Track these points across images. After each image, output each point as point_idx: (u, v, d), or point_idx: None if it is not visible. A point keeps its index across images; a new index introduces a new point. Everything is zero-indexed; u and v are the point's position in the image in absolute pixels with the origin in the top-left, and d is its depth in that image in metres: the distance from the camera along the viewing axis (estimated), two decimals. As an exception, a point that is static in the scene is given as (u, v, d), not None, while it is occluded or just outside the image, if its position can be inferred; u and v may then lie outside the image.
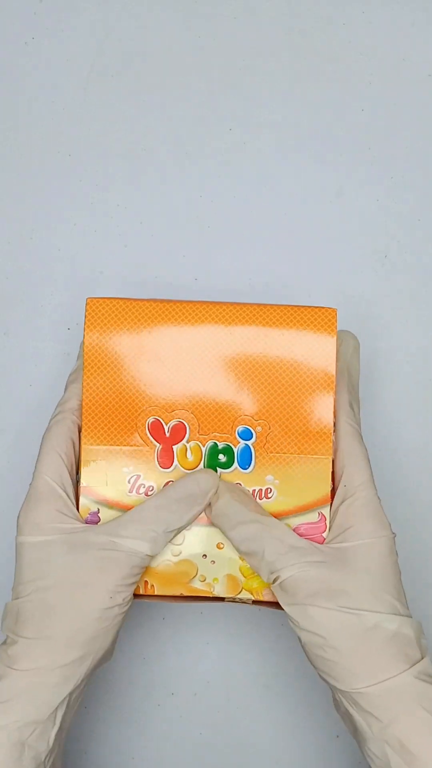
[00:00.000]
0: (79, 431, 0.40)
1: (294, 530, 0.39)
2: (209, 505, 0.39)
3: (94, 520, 0.39)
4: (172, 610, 0.49)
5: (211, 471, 0.40)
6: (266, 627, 0.49)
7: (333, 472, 0.40)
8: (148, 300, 0.40)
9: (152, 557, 0.38)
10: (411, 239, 0.50)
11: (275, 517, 0.39)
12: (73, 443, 0.40)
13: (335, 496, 0.40)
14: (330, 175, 0.50)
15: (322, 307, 0.40)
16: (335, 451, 0.40)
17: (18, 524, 0.38)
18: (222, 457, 0.40)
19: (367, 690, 0.35)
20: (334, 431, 0.40)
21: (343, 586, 0.37)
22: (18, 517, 0.39)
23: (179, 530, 0.39)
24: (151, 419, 0.40)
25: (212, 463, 0.40)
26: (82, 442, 0.40)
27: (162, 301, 0.40)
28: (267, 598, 0.40)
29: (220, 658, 0.49)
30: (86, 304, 0.40)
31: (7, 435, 0.49)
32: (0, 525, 0.47)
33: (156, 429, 0.40)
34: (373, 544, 0.38)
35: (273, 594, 0.39)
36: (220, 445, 0.40)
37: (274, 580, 0.37)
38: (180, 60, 0.50)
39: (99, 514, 0.39)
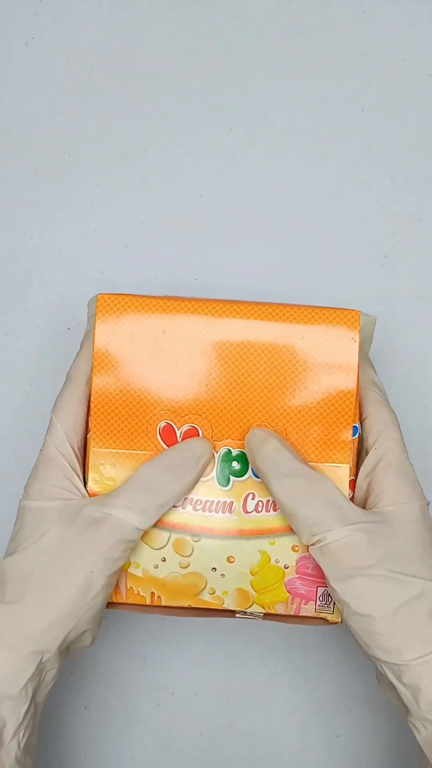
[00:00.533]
0: (89, 401, 0.38)
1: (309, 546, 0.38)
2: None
3: None
4: (172, 610, 0.49)
5: (204, 439, 0.38)
6: (266, 627, 0.49)
7: (353, 478, 0.39)
8: (161, 297, 0.38)
9: (142, 531, 0.36)
10: (411, 239, 0.50)
11: (290, 531, 0.38)
12: (83, 412, 0.38)
13: (365, 461, 0.38)
14: (330, 175, 0.50)
15: (345, 309, 0.38)
16: (361, 418, 0.38)
17: (25, 488, 0.38)
18: (235, 465, 0.38)
19: (413, 662, 0.34)
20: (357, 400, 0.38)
21: (389, 552, 0.35)
22: (26, 481, 0.38)
23: (171, 502, 0.37)
24: (162, 423, 0.38)
25: (226, 471, 0.38)
26: (90, 445, 0.38)
27: (177, 298, 0.38)
28: (279, 611, 0.38)
29: (220, 658, 0.49)
30: (97, 300, 0.37)
31: (7, 435, 0.49)
32: (1, 523, 0.47)
33: (167, 433, 0.38)
34: (412, 508, 0.36)
35: (285, 607, 0.38)
36: (234, 452, 0.38)
37: (315, 543, 0.35)
38: (180, 60, 0.50)
39: None
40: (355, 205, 0.50)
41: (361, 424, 0.39)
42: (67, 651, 0.37)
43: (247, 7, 0.50)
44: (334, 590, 0.35)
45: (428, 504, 0.37)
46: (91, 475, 0.38)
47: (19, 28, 0.51)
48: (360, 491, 0.38)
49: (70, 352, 0.49)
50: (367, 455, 0.38)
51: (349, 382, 0.37)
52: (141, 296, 0.38)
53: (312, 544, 0.36)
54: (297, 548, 0.38)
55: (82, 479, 0.38)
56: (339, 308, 0.38)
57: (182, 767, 0.49)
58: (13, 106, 0.50)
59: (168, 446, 0.38)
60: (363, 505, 0.38)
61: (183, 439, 0.38)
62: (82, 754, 0.49)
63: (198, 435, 0.38)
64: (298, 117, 0.50)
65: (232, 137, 0.50)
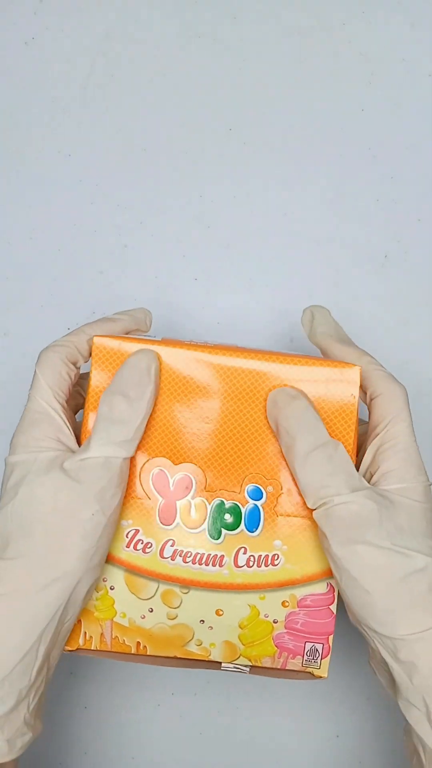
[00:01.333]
0: (76, 367, 0.38)
1: (299, 602, 0.37)
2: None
3: None
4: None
5: (145, 349, 0.37)
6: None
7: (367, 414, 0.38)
8: (158, 341, 0.37)
9: (128, 459, 0.36)
10: (411, 239, 0.50)
11: (280, 586, 0.37)
12: (68, 372, 0.38)
13: (374, 440, 0.37)
14: (330, 175, 0.50)
15: (345, 363, 0.37)
16: (368, 396, 0.38)
17: (11, 444, 0.37)
18: (228, 518, 0.37)
19: (409, 637, 0.33)
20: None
21: (394, 525, 0.34)
22: (12, 437, 0.38)
23: (144, 420, 0.36)
24: (155, 470, 0.37)
25: (218, 524, 0.37)
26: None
27: (169, 342, 0.37)
28: (266, 665, 0.38)
29: (220, 658, 0.49)
30: (92, 344, 0.37)
31: (7, 435, 0.49)
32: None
33: (159, 482, 0.37)
34: (417, 488, 0.36)
35: (272, 661, 0.37)
36: (227, 504, 0.37)
37: (321, 506, 0.35)
38: (180, 60, 0.50)
39: None
40: (355, 205, 0.50)
41: (369, 402, 0.38)
42: (83, 602, 0.36)
43: (247, 7, 0.50)
44: (335, 557, 0.35)
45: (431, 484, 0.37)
46: None
47: (19, 28, 0.51)
48: (364, 468, 0.37)
49: (70, 352, 0.49)
50: (375, 433, 0.37)
51: (347, 438, 0.37)
52: (137, 339, 0.37)
53: (317, 507, 0.35)
54: (287, 604, 0.37)
55: (71, 431, 0.37)
56: (339, 362, 0.37)
57: (182, 767, 0.49)
58: (13, 106, 0.50)
59: (161, 495, 0.37)
60: (376, 482, 0.37)
61: (175, 489, 0.37)
62: (82, 754, 0.49)
63: (191, 484, 0.37)
64: (298, 117, 0.50)
65: (232, 137, 0.50)
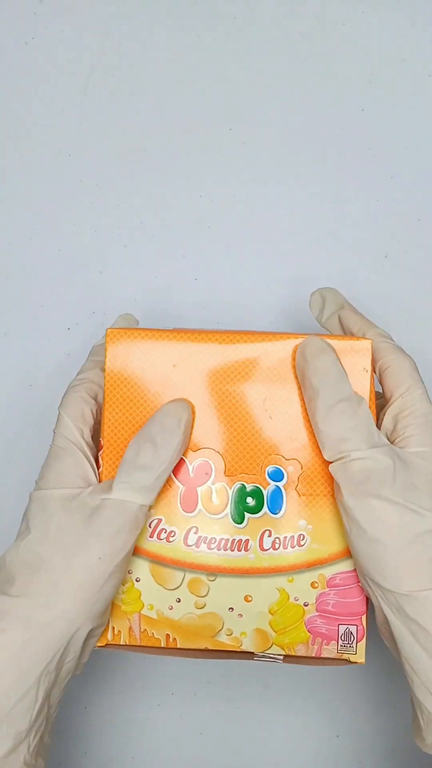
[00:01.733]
0: (97, 402, 0.38)
1: (328, 581, 0.37)
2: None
3: None
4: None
5: (180, 399, 0.37)
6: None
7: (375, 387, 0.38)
8: (171, 330, 0.37)
9: (146, 508, 0.35)
10: (411, 239, 0.50)
11: (308, 567, 0.37)
12: (91, 409, 0.38)
13: (392, 405, 0.37)
14: (330, 175, 0.50)
15: (357, 338, 0.37)
16: (377, 367, 0.38)
17: (37, 479, 0.38)
18: (250, 501, 0.37)
19: (416, 594, 0.33)
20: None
21: (410, 483, 0.34)
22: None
23: (167, 470, 0.36)
24: None
25: (240, 508, 0.37)
26: (101, 478, 0.37)
27: (187, 330, 0.37)
28: (300, 653, 0.37)
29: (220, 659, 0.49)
30: (106, 335, 0.37)
31: (7, 435, 0.49)
32: (2, 524, 0.47)
33: (179, 469, 0.37)
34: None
35: (306, 648, 0.37)
36: (249, 487, 0.37)
37: (339, 459, 0.35)
38: (180, 60, 0.50)
39: None
40: (355, 205, 0.50)
41: (380, 374, 0.38)
42: (84, 647, 0.36)
43: (247, 7, 0.50)
44: (348, 508, 0.34)
45: None
46: None
47: (19, 28, 0.51)
48: (384, 432, 0.37)
49: (70, 352, 0.49)
50: (392, 400, 0.37)
51: None
52: (150, 330, 0.37)
53: (335, 461, 0.35)
54: (316, 584, 0.37)
55: (94, 468, 0.37)
56: (351, 337, 0.37)
57: (182, 767, 0.49)
58: (13, 107, 0.50)
59: (181, 482, 0.37)
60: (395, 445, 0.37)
61: (195, 475, 0.37)
62: (82, 754, 0.49)
63: (211, 470, 0.37)
64: (298, 117, 0.50)
65: (232, 137, 0.50)
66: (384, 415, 0.37)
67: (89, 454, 0.37)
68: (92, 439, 0.39)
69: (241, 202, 0.50)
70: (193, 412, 0.37)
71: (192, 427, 0.37)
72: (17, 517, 0.39)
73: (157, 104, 0.50)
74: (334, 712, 0.49)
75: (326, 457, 0.35)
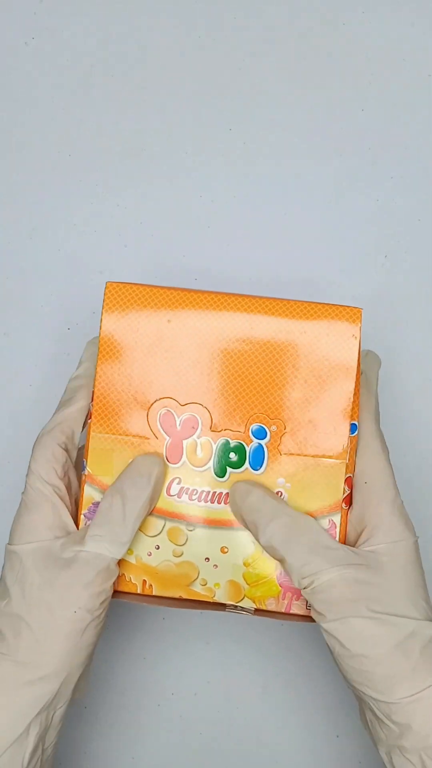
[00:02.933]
0: (73, 437, 0.40)
1: None
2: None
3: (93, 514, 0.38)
4: (172, 610, 0.49)
5: (152, 455, 0.38)
6: (266, 627, 0.49)
7: (350, 475, 0.39)
8: (168, 288, 0.38)
9: (117, 560, 0.37)
10: (411, 239, 0.50)
11: None
12: (60, 443, 0.39)
13: (356, 496, 0.38)
14: (330, 175, 0.50)
15: (347, 306, 0.38)
16: (354, 454, 0.39)
17: (10, 531, 0.38)
18: (233, 456, 0.38)
19: (405, 700, 0.34)
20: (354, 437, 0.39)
21: (379, 592, 0.35)
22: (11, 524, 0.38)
23: (137, 522, 0.37)
24: (162, 411, 0.38)
25: (223, 462, 0.38)
26: (91, 429, 0.38)
27: (182, 290, 0.38)
28: (270, 608, 0.38)
29: (220, 658, 0.49)
30: (105, 288, 0.38)
31: (6, 435, 0.49)
32: (2, 524, 0.47)
33: (167, 421, 0.38)
34: (404, 547, 0.37)
35: (276, 603, 0.38)
36: (232, 443, 0.38)
37: (307, 586, 0.36)
38: (180, 60, 0.50)
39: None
40: (355, 205, 0.50)
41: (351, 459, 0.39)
42: (76, 686, 0.37)
43: (247, 7, 0.50)
44: (326, 631, 0.36)
45: (417, 539, 0.38)
46: (89, 458, 0.39)
47: (19, 28, 0.51)
48: (352, 525, 0.38)
49: (70, 352, 0.49)
50: (359, 488, 0.38)
51: (348, 379, 0.38)
52: (148, 286, 0.38)
53: (304, 588, 0.36)
54: None
55: (69, 512, 0.38)
56: (341, 305, 0.38)
57: (182, 767, 0.49)
58: (13, 106, 0.50)
59: (167, 434, 0.38)
60: (356, 540, 0.38)
61: (182, 428, 0.38)
62: (82, 754, 0.49)
63: (197, 424, 0.38)
64: (298, 117, 0.50)
65: (232, 137, 0.50)
66: (353, 503, 0.38)
67: (63, 497, 0.38)
68: (75, 464, 0.40)
69: (241, 202, 0.50)
70: (165, 470, 0.38)
71: (164, 480, 0.38)
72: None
73: (157, 104, 0.50)
74: (334, 712, 0.49)
75: (295, 585, 0.36)
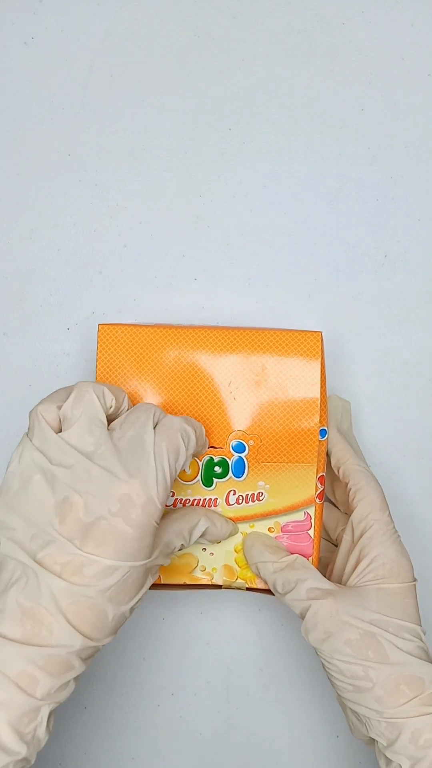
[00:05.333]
0: None
1: (282, 527, 0.44)
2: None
3: None
4: (172, 610, 0.49)
5: None
6: (266, 627, 0.49)
7: (323, 474, 0.45)
8: (152, 326, 0.44)
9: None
10: (411, 239, 0.50)
11: (266, 516, 0.44)
12: None
13: (353, 531, 0.42)
14: (330, 175, 0.50)
15: (308, 331, 0.44)
16: (348, 492, 0.43)
17: None
18: (218, 469, 0.44)
19: (395, 710, 0.37)
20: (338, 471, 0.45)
21: (373, 620, 0.39)
22: None
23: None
24: None
25: (209, 474, 0.44)
26: None
27: (164, 327, 0.44)
28: (260, 585, 0.44)
29: (220, 658, 0.49)
30: (98, 331, 0.44)
31: (6, 435, 0.49)
32: None
33: None
34: (399, 573, 0.40)
35: (265, 582, 0.44)
36: (216, 459, 0.44)
37: (305, 614, 0.40)
38: (180, 60, 0.50)
39: None
40: (355, 205, 0.50)
41: (350, 498, 0.43)
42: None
43: (247, 7, 0.50)
44: (321, 651, 0.40)
45: (415, 581, 0.41)
46: None
47: (19, 28, 0.51)
48: (353, 562, 0.42)
49: (70, 352, 0.49)
50: (356, 530, 0.42)
51: (313, 392, 0.44)
52: (135, 326, 0.44)
53: (304, 617, 0.40)
54: (272, 530, 0.44)
55: None
56: (302, 331, 0.44)
57: (182, 767, 0.49)
58: (12, 106, 0.50)
59: None
60: (352, 571, 0.42)
61: None
62: (82, 754, 0.49)
63: None
64: (298, 117, 0.50)
65: (232, 137, 0.50)
66: (350, 542, 0.43)
67: None
68: None
69: (241, 202, 0.50)
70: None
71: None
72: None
73: (156, 104, 0.50)
74: (334, 712, 0.49)
75: (299, 614, 0.41)
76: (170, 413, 0.42)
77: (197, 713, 0.49)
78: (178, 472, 0.38)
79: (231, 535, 0.43)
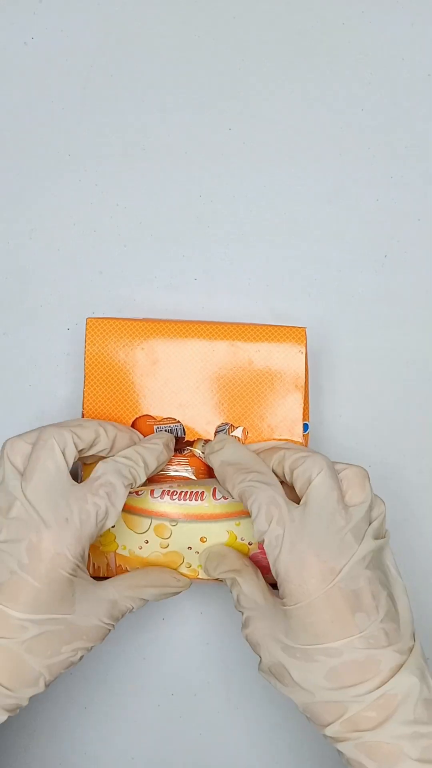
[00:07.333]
0: None
1: None
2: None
3: None
4: (172, 610, 0.49)
5: None
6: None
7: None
8: (141, 320, 0.45)
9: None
10: (411, 239, 0.50)
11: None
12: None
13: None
14: (330, 175, 0.50)
15: (293, 326, 0.45)
16: (287, 466, 0.41)
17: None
18: None
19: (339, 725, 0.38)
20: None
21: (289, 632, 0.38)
22: None
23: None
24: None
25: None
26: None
27: (152, 320, 0.45)
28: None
29: (220, 658, 0.49)
30: (86, 324, 0.44)
31: (6, 435, 0.49)
32: None
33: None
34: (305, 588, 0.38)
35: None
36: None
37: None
38: (180, 60, 0.50)
39: None
40: (355, 205, 0.50)
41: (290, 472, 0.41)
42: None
43: (247, 7, 0.50)
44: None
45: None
46: (85, 471, 0.44)
47: (19, 28, 0.51)
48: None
49: (70, 352, 0.49)
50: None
51: (297, 389, 0.44)
52: (124, 319, 0.45)
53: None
54: None
55: None
56: (288, 326, 0.45)
57: (182, 767, 0.49)
58: (12, 106, 0.50)
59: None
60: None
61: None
62: (82, 754, 0.49)
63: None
64: (298, 117, 0.50)
65: (231, 137, 0.50)
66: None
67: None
68: None
69: (241, 202, 0.50)
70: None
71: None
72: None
73: (156, 104, 0.50)
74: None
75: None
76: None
77: (197, 713, 0.49)
78: (102, 519, 0.38)
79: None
